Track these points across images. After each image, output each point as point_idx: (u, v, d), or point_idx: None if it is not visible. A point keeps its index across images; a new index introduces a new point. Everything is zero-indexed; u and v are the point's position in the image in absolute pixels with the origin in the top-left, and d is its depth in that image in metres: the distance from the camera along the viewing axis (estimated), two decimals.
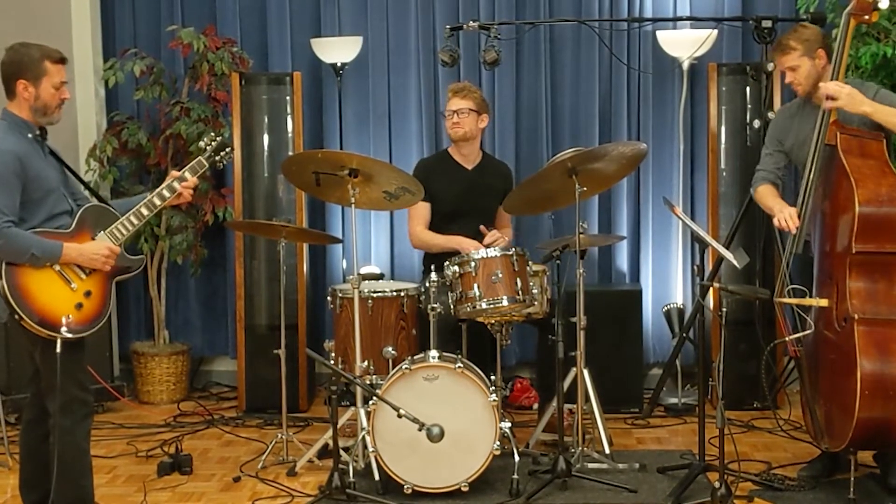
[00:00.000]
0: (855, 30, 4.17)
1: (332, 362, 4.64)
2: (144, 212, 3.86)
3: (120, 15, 6.17)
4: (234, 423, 5.49)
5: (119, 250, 3.79)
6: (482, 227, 4.97)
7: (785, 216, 4.21)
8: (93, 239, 3.76)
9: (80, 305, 3.68)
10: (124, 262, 3.85)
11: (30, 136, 3.71)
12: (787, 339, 4.20)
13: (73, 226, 3.73)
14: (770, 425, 5.16)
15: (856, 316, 3.90)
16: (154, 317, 6.05)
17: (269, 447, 4.77)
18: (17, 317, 3.58)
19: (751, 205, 5.06)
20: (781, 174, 4.45)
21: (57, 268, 3.65)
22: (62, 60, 3.76)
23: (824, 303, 4.06)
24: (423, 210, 5.04)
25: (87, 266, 3.71)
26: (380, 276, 5.67)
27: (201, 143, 4.13)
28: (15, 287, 3.58)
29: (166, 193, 3.90)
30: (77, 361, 3.74)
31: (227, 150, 4.14)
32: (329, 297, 4.87)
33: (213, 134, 4.19)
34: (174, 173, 3.96)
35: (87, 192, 4.01)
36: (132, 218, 3.83)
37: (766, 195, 4.42)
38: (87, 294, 3.71)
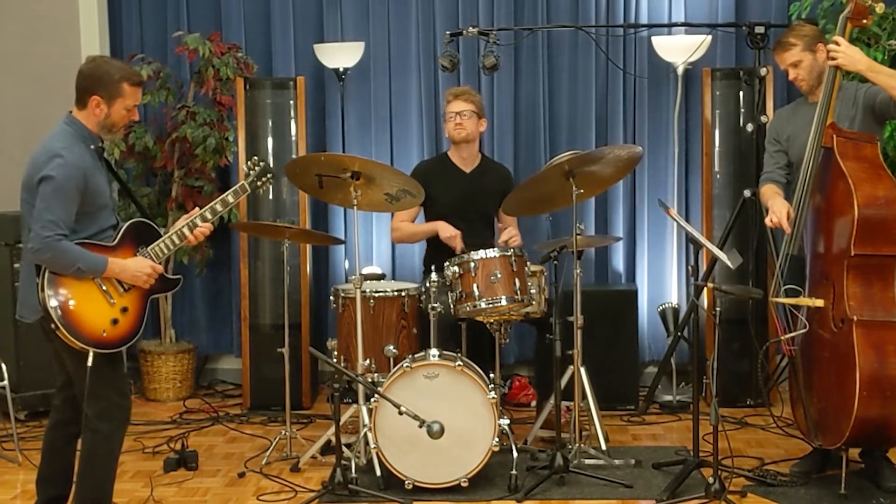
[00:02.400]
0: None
1: (335, 360, 4.63)
2: (187, 232, 3.82)
3: (127, 21, 6.16)
4: (238, 420, 5.49)
5: (161, 269, 3.75)
6: (499, 227, 5.01)
7: (776, 218, 4.20)
8: (135, 254, 3.72)
9: (115, 321, 3.63)
10: (163, 283, 3.80)
11: (92, 147, 3.66)
12: (782, 338, 4.19)
13: (118, 239, 3.69)
14: (763, 422, 5.15)
15: (854, 318, 3.89)
16: (160, 316, 6.05)
17: (273, 444, 4.77)
18: (52, 326, 3.52)
19: (744, 206, 5.07)
20: (785, 173, 4.41)
21: (98, 281, 3.60)
22: (140, 83, 3.70)
23: (820, 303, 4.05)
24: (409, 211, 5.04)
25: (128, 282, 3.67)
26: (381, 277, 5.66)
27: (245, 168, 4.12)
28: (57, 299, 3.52)
29: (208, 215, 3.87)
30: (116, 370, 3.71)
31: (269, 175, 4.14)
32: (332, 297, 4.86)
33: (255, 158, 4.16)
34: (196, 210, 3.92)
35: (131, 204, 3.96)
36: (174, 237, 3.79)
37: (765, 193, 4.40)
38: (124, 310, 3.66)
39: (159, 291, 3.82)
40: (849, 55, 4.03)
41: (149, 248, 3.75)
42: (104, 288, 3.62)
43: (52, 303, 3.51)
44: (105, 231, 3.68)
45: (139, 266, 3.68)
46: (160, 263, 3.77)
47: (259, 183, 4.12)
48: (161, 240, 3.78)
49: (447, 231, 4.89)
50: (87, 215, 3.60)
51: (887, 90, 4.05)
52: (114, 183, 3.92)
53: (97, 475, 3.72)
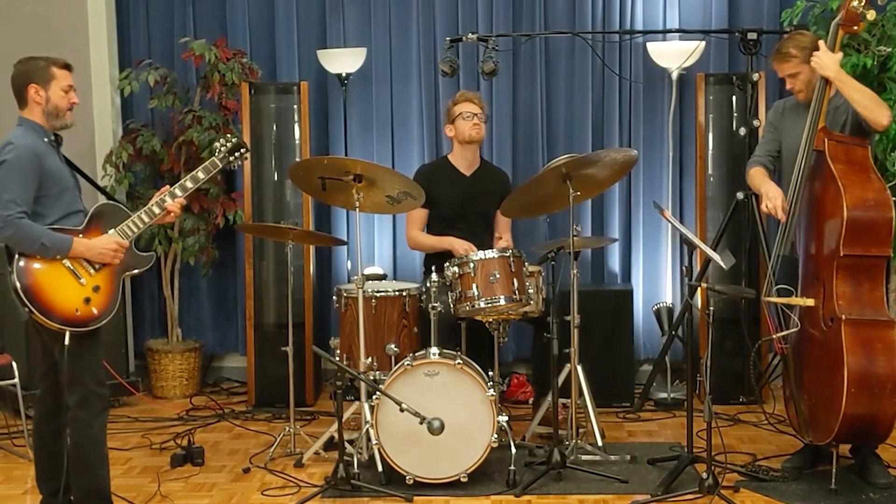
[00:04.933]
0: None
1: (338, 359, 4.63)
2: (156, 210, 3.83)
3: (135, 27, 6.16)
4: (243, 416, 5.48)
5: (128, 245, 3.75)
6: (497, 237, 5.01)
7: (771, 204, 4.18)
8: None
9: (87, 300, 3.65)
10: (134, 259, 3.82)
11: (45, 140, 3.71)
12: (774, 336, 4.19)
13: (85, 223, 3.72)
14: (755, 419, 5.15)
15: (843, 316, 3.89)
16: (167, 315, 6.05)
17: (278, 440, 4.77)
18: (27, 309, 3.56)
19: (737, 208, 5.07)
20: (774, 160, 4.42)
21: (67, 263, 3.63)
22: (67, 66, 3.76)
23: (811, 302, 4.05)
24: (419, 215, 5.04)
25: (96, 261, 3.68)
26: (383, 277, 5.66)
27: (216, 144, 4.06)
28: (26, 282, 3.56)
29: (178, 192, 3.87)
30: (93, 356, 3.73)
31: (242, 150, 4.07)
32: (334, 297, 4.86)
33: (228, 136, 4.13)
34: (163, 189, 3.92)
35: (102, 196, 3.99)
36: (143, 216, 3.80)
37: (755, 176, 4.39)
38: (96, 289, 3.68)
39: (132, 269, 3.82)
40: (821, 60, 4.04)
41: (116, 229, 3.76)
42: (73, 269, 3.64)
43: (23, 286, 3.55)
44: (74, 215, 3.71)
45: (104, 244, 3.70)
46: (129, 241, 3.76)
47: (231, 159, 4.05)
48: (130, 219, 3.79)
49: (460, 249, 4.86)
50: (50, 197, 3.64)
51: (851, 102, 4.05)
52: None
53: (88, 463, 3.73)
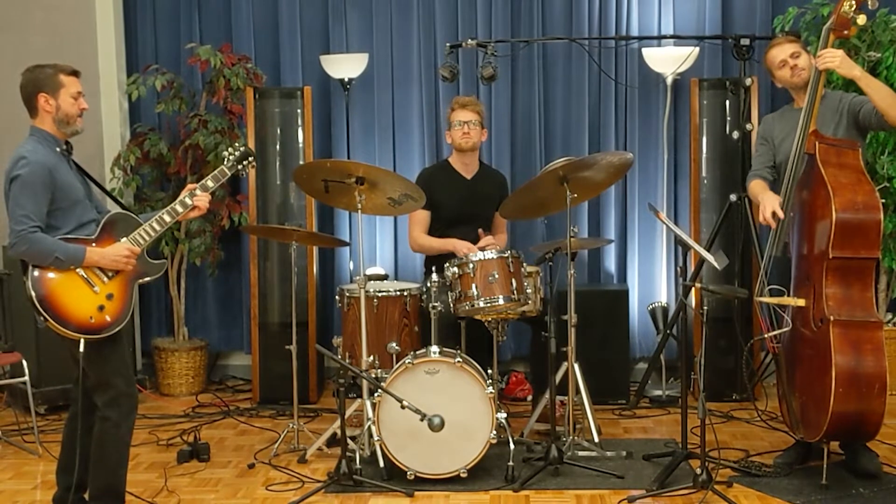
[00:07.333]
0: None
1: (340, 357, 4.64)
2: (166, 218, 3.81)
3: (142, 33, 6.18)
4: (248, 413, 5.49)
5: (139, 250, 3.74)
6: (480, 231, 4.98)
7: (766, 213, 4.20)
8: None
9: (101, 307, 3.64)
10: (146, 267, 3.81)
11: (57, 149, 3.69)
12: (766, 335, 4.20)
13: (98, 232, 3.70)
14: (748, 416, 5.16)
15: (832, 317, 3.89)
16: (174, 315, 6.06)
17: (282, 436, 4.78)
18: (42, 318, 3.56)
19: (730, 210, 5.08)
20: (771, 171, 4.43)
21: (81, 271, 3.62)
22: (75, 73, 3.75)
23: (802, 303, 4.05)
24: (422, 217, 5.05)
25: (109, 268, 3.67)
26: (384, 277, 5.66)
27: (225, 153, 4.06)
28: (41, 292, 3.56)
29: (188, 201, 3.86)
30: (119, 357, 3.73)
31: (250, 159, 4.07)
32: (337, 297, 4.87)
33: (237, 144, 4.13)
34: (190, 186, 3.92)
35: (111, 202, 3.98)
36: (154, 224, 3.79)
37: (755, 188, 4.40)
38: (110, 297, 3.67)
39: (145, 276, 3.82)
40: (846, 60, 4.05)
41: (129, 237, 3.75)
42: (87, 277, 3.63)
43: (38, 296, 3.55)
44: (87, 225, 3.70)
45: (116, 251, 3.68)
46: (141, 248, 3.75)
47: (240, 167, 4.04)
48: (141, 227, 3.78)
49: (463, 249, 4.86)
50: (63, 210, 3.63)
51: (874, 99, 4.05)
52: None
53: (109, 462, 3.74)
